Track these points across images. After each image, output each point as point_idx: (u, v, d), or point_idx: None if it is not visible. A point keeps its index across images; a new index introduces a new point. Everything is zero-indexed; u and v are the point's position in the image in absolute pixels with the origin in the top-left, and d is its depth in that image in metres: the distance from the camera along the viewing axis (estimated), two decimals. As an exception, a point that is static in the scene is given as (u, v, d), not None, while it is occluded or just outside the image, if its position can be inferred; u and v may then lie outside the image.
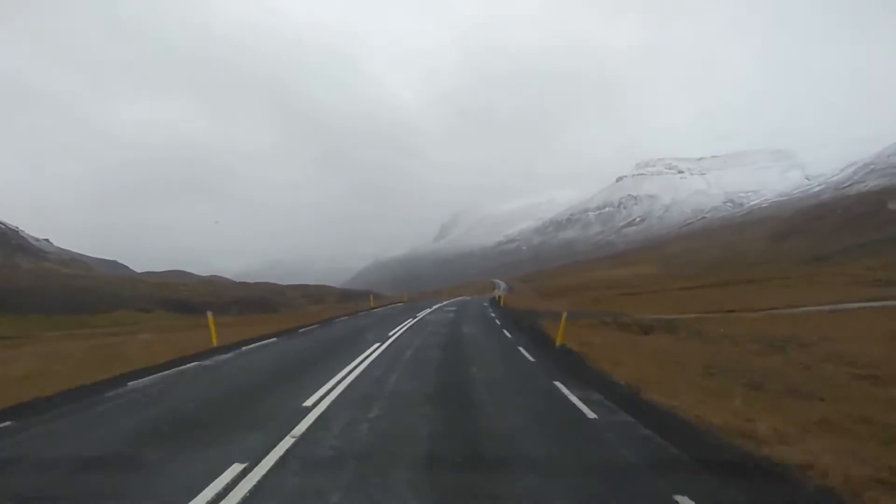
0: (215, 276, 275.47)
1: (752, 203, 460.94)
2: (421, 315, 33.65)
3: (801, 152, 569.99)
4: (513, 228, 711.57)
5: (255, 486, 6.00)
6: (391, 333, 23.14)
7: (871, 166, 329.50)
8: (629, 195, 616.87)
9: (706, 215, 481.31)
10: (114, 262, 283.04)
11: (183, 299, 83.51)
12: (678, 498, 5.67)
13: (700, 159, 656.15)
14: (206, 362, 15.91)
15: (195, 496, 5.70)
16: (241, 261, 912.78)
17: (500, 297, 54.06)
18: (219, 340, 19.64)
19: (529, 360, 15.76)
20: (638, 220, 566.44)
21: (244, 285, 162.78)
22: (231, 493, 5.80)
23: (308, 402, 10.03)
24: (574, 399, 10.46)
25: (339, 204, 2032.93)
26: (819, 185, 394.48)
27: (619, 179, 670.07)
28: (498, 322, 29.66)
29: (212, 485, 5.95)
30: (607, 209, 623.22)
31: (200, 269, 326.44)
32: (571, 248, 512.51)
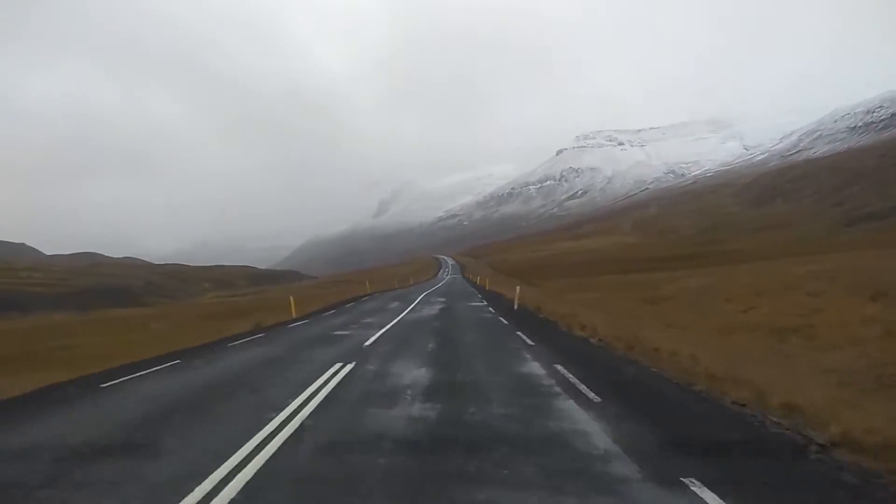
0: (129, 257, 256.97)
1: (694, 173, 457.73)
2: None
3: (737, 123, 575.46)
4: (453, 203, 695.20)
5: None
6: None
7: (817, 132, 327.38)
8: (570, 168, 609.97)
9: (649, 186, 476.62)
10: (21, 246, 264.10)
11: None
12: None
13: (639, 131, 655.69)
14: None
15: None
16: (169, 241, 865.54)
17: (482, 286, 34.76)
18: None
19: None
20: (580, 192, 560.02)
21: (144, 267, 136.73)
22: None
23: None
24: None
25: (273, 181, 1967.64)
26: (762, 153, 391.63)
27: (559, 152, 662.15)
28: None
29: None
30: (549, 182, 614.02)
31: (120, 250, 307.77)
32: (514, 222, 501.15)
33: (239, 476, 4.96)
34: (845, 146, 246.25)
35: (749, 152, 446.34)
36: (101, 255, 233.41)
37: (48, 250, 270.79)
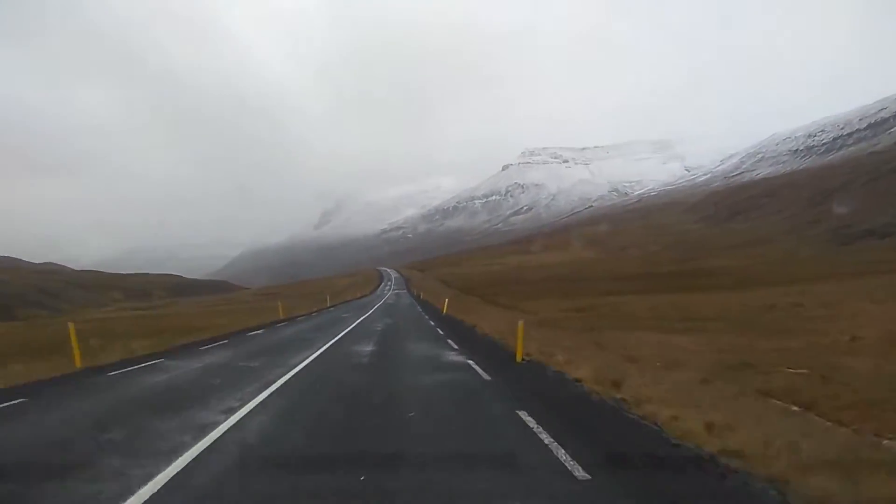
0: (50, 262, 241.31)
1: (637, 192, 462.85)
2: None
3: (678, 144, 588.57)
4: (397, 216, 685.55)
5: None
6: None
7: (759, 155, 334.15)
8: (515, 183, 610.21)
9: (593, 203, 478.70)
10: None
11: None
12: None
13: (583, 149, 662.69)
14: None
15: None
16: (102, 247, 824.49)
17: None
18: None
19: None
20: (525, 208, 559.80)
21: (54, 274, 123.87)
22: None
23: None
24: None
25: (214, 188, 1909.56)
26: (704, 174, 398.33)
27: (504, 168, 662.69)
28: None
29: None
30: (494, 197, 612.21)
31: (45, 256, 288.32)
32: (459, 236, 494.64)
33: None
34: (788, 168, 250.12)
35: (690, 173, 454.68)
36: (20, 259, 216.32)
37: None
